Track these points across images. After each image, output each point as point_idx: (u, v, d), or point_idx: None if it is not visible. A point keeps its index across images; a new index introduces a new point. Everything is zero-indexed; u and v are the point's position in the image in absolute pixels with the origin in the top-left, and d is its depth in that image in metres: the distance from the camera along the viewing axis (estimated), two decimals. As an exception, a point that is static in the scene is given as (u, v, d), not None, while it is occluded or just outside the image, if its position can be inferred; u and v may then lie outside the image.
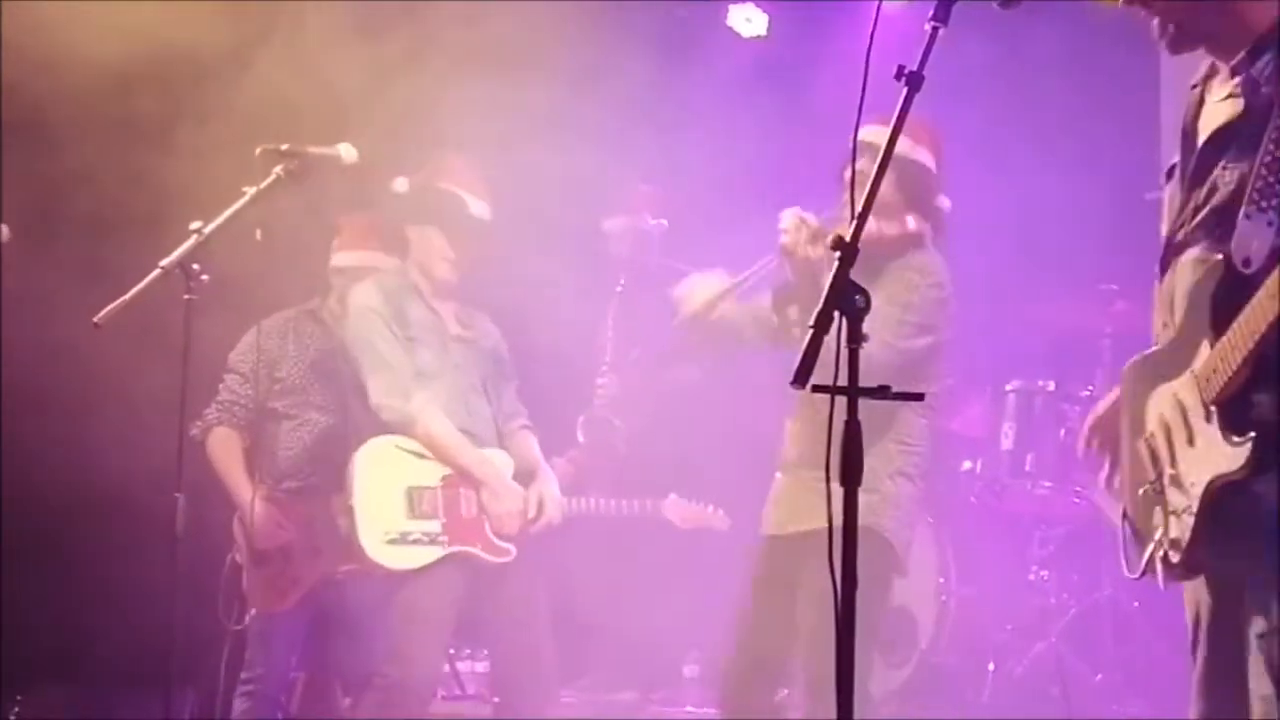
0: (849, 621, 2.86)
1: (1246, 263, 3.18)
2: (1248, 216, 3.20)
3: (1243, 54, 3.30)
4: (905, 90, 3.04)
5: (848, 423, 2.90)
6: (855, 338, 2.89)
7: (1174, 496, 3.34)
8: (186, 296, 4.61)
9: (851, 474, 2.89)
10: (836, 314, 2.89)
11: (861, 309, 2.90)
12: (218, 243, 4.66)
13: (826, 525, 4.62)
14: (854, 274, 4.82)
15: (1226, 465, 3.19)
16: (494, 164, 6.15)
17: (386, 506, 5.46)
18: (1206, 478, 3.24)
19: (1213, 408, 3.22)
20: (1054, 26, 7.08)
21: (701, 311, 5.25)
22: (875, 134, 4.93)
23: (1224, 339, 3.19)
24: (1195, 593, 3.48)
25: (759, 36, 8.48)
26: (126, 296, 4.58)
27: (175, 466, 4.59)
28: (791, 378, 2.86)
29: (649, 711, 7.33)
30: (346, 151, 5.05)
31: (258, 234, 4.83)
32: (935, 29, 3.08)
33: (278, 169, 4.88)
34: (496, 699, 5.94)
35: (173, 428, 4.63)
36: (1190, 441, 3.29)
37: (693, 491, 6.05)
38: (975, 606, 7.02)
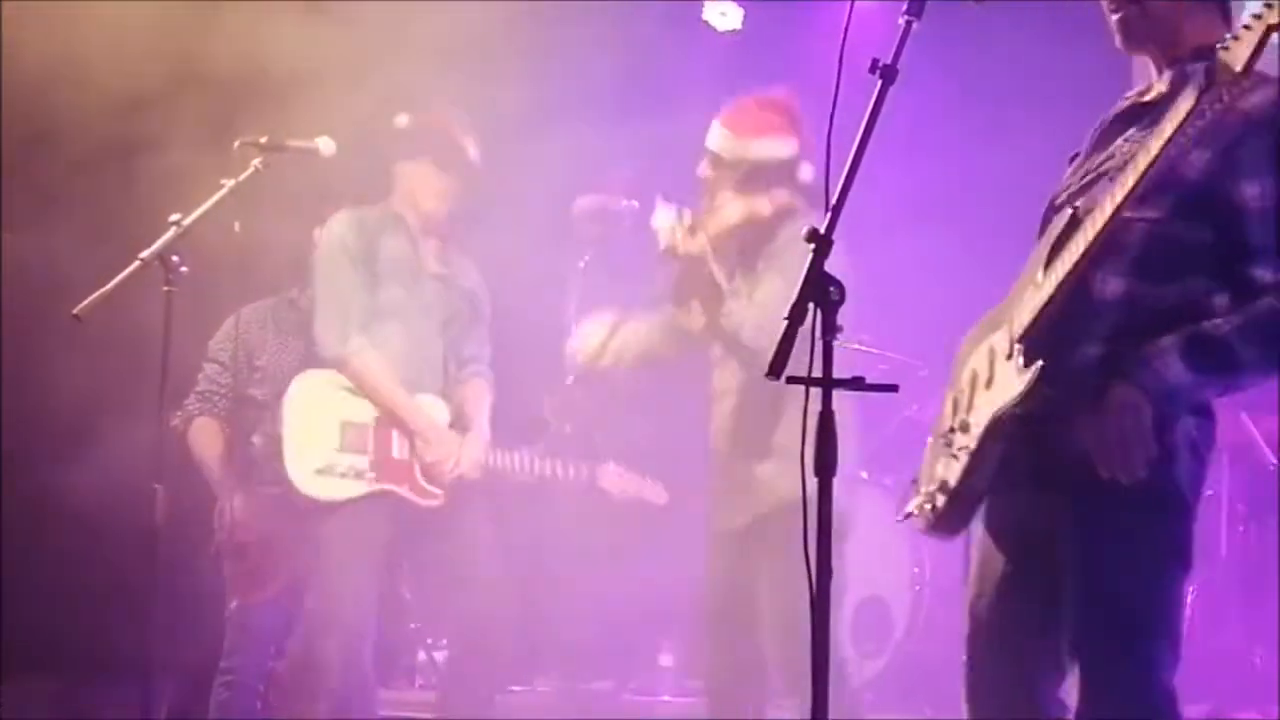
0: (823, 613, 2.88)
1: (1089, 214, 3.20)
2: (1110, 179, 3.24)
3: (1186, 53, 3.35)
4: (879, 84, 3.07)
5: (822, 415, 2.92)
6: (830, 329, 2.92)
7: (957, 439, 3.35)
8: (166, 288, 4.63)
9: (826, 466, 2.91)
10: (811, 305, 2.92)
11: (836, 301, 2.92)
12: (197, 234, 4.69)
13: (766, 511, 4.71)
14: (740, 264, 4.90)
15: (1005, 398, 3.21)
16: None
17: (318, 437, 5.43)
18: (989, 414, 3.26)
19: (1017, 345, 3.23)
20: (1027, 24, 7.12)
21: (591, 359, 5.28)
22: (718, 140, 5.05)
23: (1045, 277, 3.22)
24: (986, 554, 3.49)
25: (734, 30, 8.52)
26: (106, 289, 4.59)
27: (155, 457, 4.62)
28: (765, 370, 2.89)
29: (624, 700, 7.36)
30: (325, 145, 5.08)
31: (236, 226, 4.86)
32: (909, 22, 3.11)
33: (256, 162, 4.91)
34: (443, 685, 5.89)
35: (152, 418, 4.65)
36: (989, 385, 3.31)
37: (634, 460, 5.97)
38: (949, 596, 7.05)
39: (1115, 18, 3.42)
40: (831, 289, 2.92)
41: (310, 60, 5.94)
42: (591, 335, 5.32)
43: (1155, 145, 3.06)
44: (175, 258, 4.63)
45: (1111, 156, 3.37)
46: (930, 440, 3.50)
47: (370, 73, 6.15)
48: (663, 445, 6.84)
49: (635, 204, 7.14)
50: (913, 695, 6.93)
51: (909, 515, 3.50)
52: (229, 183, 4.83)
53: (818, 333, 2.91)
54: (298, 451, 5.43)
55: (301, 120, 5.34)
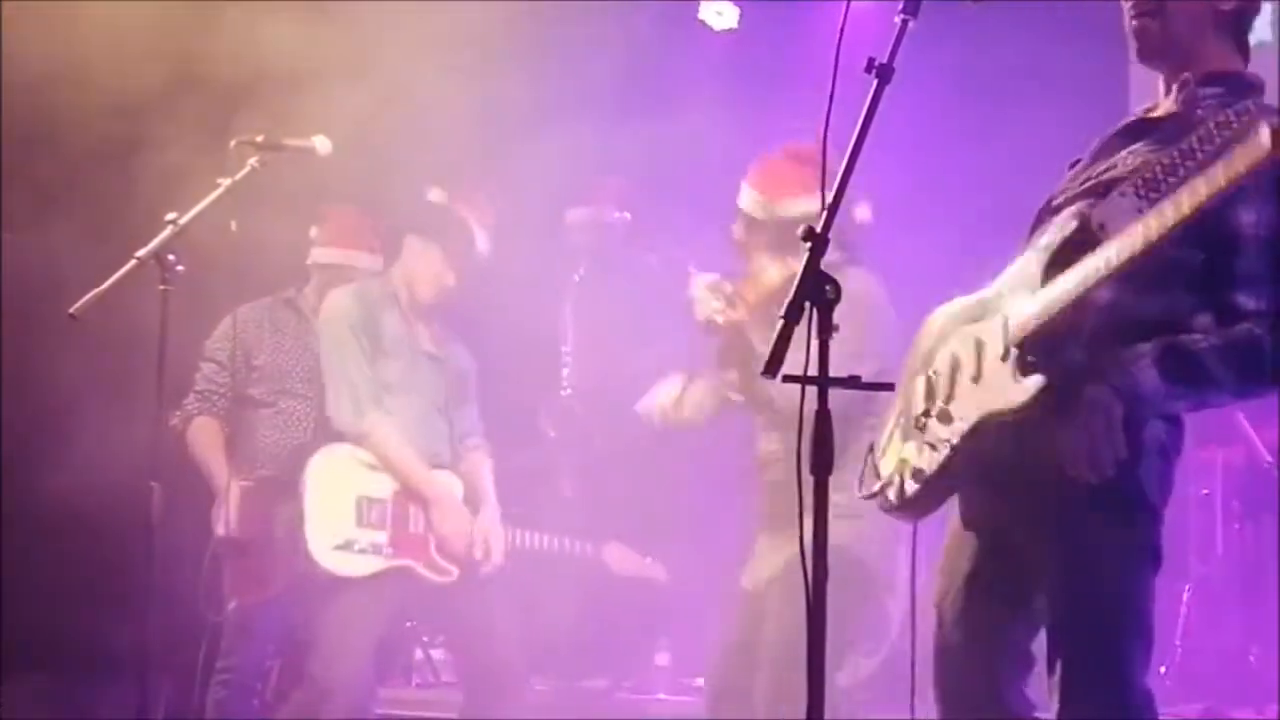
0: (820, 609, 2.87)
1: (1102, 228, 3.18)
2: (1122, 194, 3.24)
3: (1199, 76, 3.36)
4: (875, 83, 3.07)
5: (818, 413, 2.91)
6: (825, 328, 2.92)
7: (935, 428, 3.36)
8: (162, 287, 4.63)
9: (823, 464, 2.90)
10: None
11: (831, 300, 2.91)
12: (193, 233, 4.69)
13: (790, 559, 4.66)
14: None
15: (1002, 403, 3.22)
16: (464, 154, 6.19)
17: (336, 513, 5.51)
18: (978, 413, 3.27)
19: (1014, 349, 3.23)
20: (1025, 24, 7.13)
21: (672, 413, 5.16)
22: (749, 201, 4.97)
23: (1052, 284, 3.19)
24: (956, 549, 3.51)
25: (730, 30, 8.54)
26: (102, 288, 4.60)
27: (152, 456, 4.62)
28: (761, 369, 2.89)
29: (620, 699, 7.35)
30: (321, 144, 5.08)
31: (233, 225, 4.86)
32: (905, 21, 3.11)
33: (253, 160, 4.91)
34: (462, 695, 5.95)
35: (149, 417, 4.66)
36: (976, 379, 3.32)
37: (644, 517, 6.03)
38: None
39: (1134, 24, 3.42)
40: (827, 288, 2.91)
41: (309, 60, 5.94)
42: (666, 393, 5.18)
43: (1204, 189, 2.93)
44: (171, 257, 4.63)
45: (1114, 166, 3.37)
46: (899, 419, 3.49)
47: (369, 72, 6.16)
48: (664, 444, 6.83)
49: (627, 215, 7.16)
50: (907, 694, 6.91)
51: (873, 495, 3.50)
52: (225, 182, 4.83)
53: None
54: (318, 527, 5.50)
55: (300, 120, 5.34)
